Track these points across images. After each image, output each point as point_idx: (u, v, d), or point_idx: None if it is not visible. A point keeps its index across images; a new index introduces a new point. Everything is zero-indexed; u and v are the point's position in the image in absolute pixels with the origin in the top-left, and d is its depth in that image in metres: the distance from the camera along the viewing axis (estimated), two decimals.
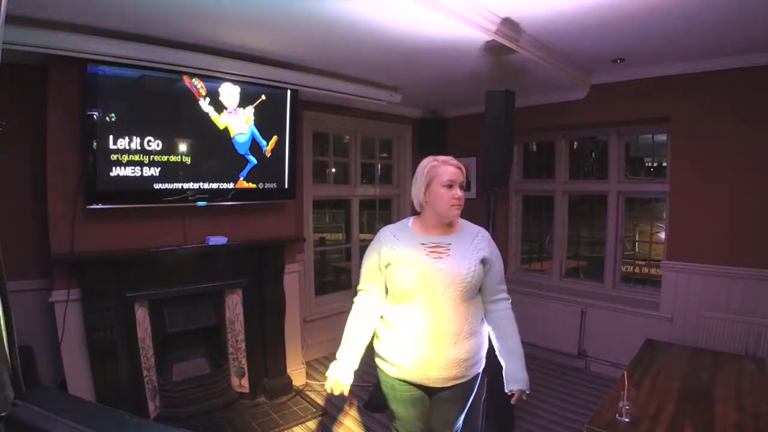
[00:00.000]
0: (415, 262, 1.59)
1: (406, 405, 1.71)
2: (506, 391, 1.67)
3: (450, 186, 1.59)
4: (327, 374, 1.66)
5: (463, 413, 1.78)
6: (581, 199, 4.21)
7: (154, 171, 2.63)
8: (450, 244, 1.63)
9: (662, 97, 3.24)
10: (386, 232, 1.72)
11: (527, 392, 1.66)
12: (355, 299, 1.76)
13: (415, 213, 1.75)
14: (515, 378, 1.65)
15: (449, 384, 1.65)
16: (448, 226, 1.67)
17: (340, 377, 1.63)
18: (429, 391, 1.70)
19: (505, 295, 1.73)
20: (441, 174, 1.60)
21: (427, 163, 1.65)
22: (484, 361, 1.75)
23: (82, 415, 0.56)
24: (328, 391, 1.64)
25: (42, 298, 2.47)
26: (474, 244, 1.65)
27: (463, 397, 1.73)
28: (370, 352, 1.77)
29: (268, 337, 3.25)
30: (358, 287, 1.76)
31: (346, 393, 1.65)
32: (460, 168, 1.64)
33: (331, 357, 3.99)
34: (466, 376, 1.67)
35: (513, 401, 1.67)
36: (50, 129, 2.39)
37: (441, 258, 1.60)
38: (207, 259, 2.95)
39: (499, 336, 1.70)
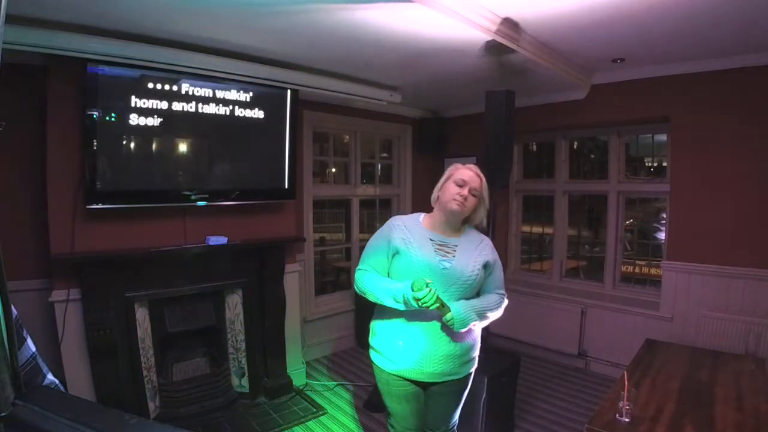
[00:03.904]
0: (424, 256, 1.64)
1: (400, 400, 1.72)
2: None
3: (461, 185, 1.66)
4: (408, 297, 1.49)
5: (458, 409, 1.81)
6: (581, 199, 4.21)
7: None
8: (456, 245, 1.69)
9: (662, 97, 3.24)
10: (397, 221, 1.75)
11: (450, 320, 1.55)
12: (359, 274, 1.71)
13: (421, 211, 1.82)
14: (458, 306, 1.58)
15: (443, 380, 1.68)
16: (455, 229, 1.72)
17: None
18: (423, 386, 1.72)
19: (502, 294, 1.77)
20: (457, 173, 1.70)
21: (453, 165, 1.76)
22: (476, 361, 1.78)
23: (82, 415, 0.56)
24: (428, 300, 1.47)
25: (42, 298, 2.47)
26: (479, 249, 1.72)
27: (457, 392, 1.76)
28: (368, 353, 1.78)
29: (268, 337, 3.25)
30: (358, 268, 1.74)
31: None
32: (479, 176, 1.70)
33: (331, 357, 4.07)
34: (459, 374, 1.71)
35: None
36: (50, 129, 2.39)
37: (447, 257, 1.66)
38: (207, 259, 2.95)
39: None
